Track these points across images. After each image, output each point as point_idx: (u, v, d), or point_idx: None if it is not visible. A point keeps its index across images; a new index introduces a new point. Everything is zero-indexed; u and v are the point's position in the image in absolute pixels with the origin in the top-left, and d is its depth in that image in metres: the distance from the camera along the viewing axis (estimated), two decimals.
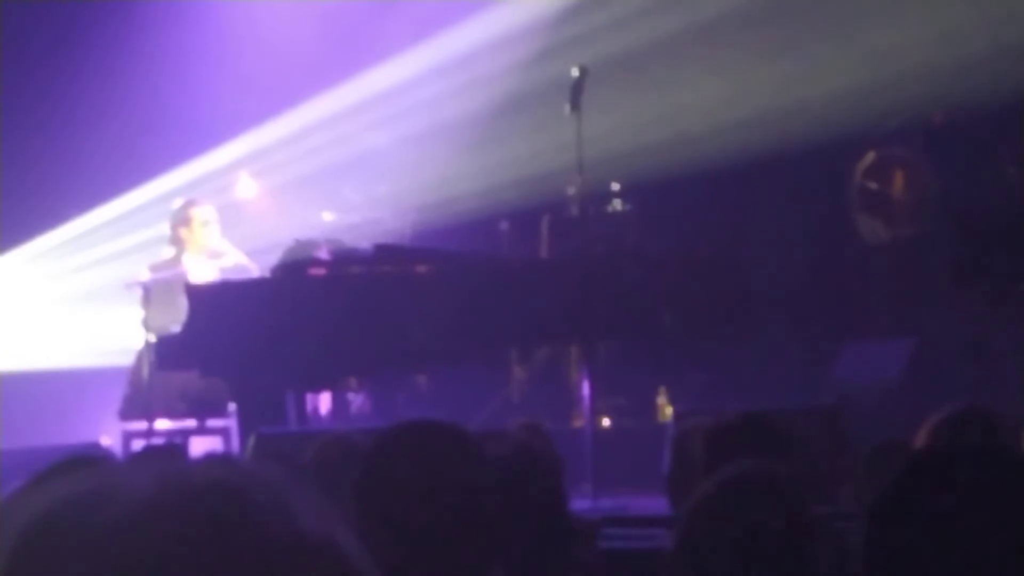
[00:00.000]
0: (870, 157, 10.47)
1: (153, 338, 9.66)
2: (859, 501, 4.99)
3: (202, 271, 10.41)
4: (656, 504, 6.90)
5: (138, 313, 10.00)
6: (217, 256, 10.56)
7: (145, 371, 9.68)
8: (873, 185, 10.42)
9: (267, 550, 1.19)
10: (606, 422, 10.24)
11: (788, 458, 4.42)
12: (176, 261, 10.48)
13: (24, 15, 12.34)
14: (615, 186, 10.89)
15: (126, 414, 10.11)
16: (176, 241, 10.58)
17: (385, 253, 9.60)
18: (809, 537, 3.12)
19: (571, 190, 10.21)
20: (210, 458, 1.28)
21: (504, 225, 11.54)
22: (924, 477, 2.47)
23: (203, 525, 1.19)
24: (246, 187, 11.96)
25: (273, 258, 9.83)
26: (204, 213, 10.60)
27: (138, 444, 9.37)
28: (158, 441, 9.56)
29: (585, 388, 8.98)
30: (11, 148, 12.35)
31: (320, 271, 9.46)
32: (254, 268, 10.37)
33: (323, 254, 9.60)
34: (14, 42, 12.37)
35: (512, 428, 6.27)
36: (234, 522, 1.20)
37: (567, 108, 9.07)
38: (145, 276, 10.25)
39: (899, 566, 2.40)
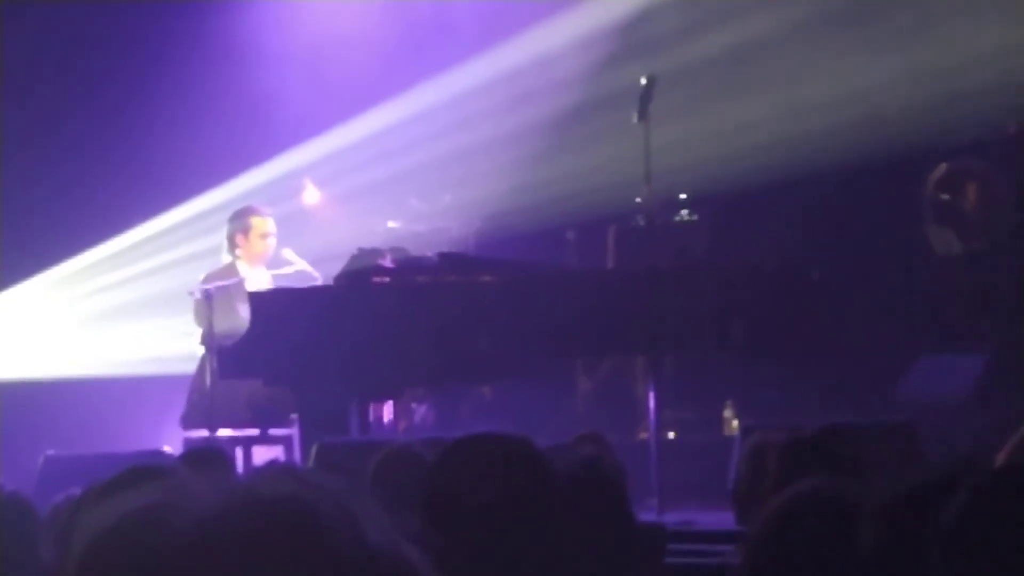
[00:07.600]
0: (942, 169, 10.35)
1: (219, 342, 9.63)
2: None
3: (259, 279, 10.38)
4: (722, 519, 6.83)
5: (201, 320, 9.97)
6: (276, 265, 10.52)
7: (208, 379, 9.66)
8: (945, 197, 10.30)
9: (338, 566, 1.18)
10: (671, 435, 10.17)
11: (861, 475, 4.34)
12: (232, 269, 10.44)
13: (82, 23, 12.38)
14: (683, 196, 10.82)
15: (188, 422, 10.09)
16: (233, 248, 10.54)
17: (450, 262, 9.56)
18: (879, 555, 3.04)
19: (638, 200, 10.14)
20: (275, 471, 1.26)
21: (570, 235, 11.50)
22: (999, 497, 2.41)
23: (271, 541, 1.18)
24: (310, 194, 11.95)
25: (337, 266, 9.79)
26: (264, 225, 10.53)
27: None
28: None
29: (651, 400, 8.91)
30: (75, 155, 12.39)
31: (384, 280, 9.42)
32: (317, 276, 10.34)
33: (387, 263, 9.56)
34: (83, 48, 12.42)
35: (572, 440, 6.19)
36: (303, 538, 1.18)
37: (635, 117, 9.01)
38: (206, 283, 10.22)
39: None
